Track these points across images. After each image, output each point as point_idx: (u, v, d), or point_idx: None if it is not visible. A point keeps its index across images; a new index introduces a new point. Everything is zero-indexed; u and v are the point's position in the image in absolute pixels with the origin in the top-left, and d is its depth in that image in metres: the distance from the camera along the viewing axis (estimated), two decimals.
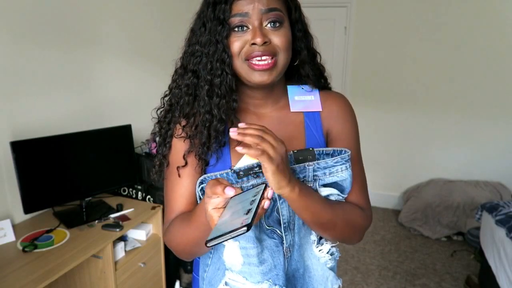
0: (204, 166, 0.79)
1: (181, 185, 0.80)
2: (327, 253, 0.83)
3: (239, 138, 0.61)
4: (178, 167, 0.80)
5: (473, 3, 3.25)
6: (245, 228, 0.55)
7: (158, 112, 0.85)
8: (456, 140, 3.54)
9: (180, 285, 2.31)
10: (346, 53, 3.73)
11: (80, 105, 2.13)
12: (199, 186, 0.77)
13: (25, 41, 1.79)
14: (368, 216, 0.84)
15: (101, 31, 2.25)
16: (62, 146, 1.84)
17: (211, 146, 0.77)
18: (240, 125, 0.62)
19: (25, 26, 1.79)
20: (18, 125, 1.78)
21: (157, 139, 0.84)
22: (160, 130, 0.83)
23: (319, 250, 0.83)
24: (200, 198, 0.78)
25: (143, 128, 2.54)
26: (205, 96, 0.76)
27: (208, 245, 0.56)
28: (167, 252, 2.20)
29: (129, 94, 2.52)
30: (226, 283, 0.80)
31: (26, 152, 1.67)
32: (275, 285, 0.77)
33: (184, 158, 0.79)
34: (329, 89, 0.91)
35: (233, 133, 0.61)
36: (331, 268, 0.85)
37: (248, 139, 0.61)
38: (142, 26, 2.61)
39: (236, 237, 0.77)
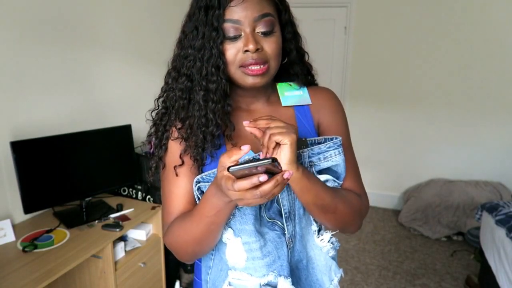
0: (200, 167, 0.81)
1: (178, 185, 0.81)
2: (328, 241, 0.86)
3: (252, 125, 0.71)
4: (175, 167, 0.80)
5: (473, 2, 3.25)
6: (270, 160, 0.54)
7: (153, 114, 0.86)
8: (456, 140, 3.54)
9: (180, 285, 2.31)
10: (346, 53, 3.73)
11: (80, 105, 2.13)
12: (196, 185, 0.78)
13: (25, 41, 1.79)
14: (365, 201, 0.86)
15: (102, 31, 2.25)
16: (62, 146, 1.84)
17: (206, 148, 0.79)
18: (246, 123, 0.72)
19: (26, 26, 1.79)
20: (18, 125, 1.78)
21: (153, 140, 0.85)
22: (156, 133, 0.84)
23: (321, 240, 0.85)
24: (198, 198, 0.79)
25: (143, 128, 2.53)
26: (201, 101, 0.77)
27: (230, 170, 0.56)
28: (167, 252, 2.20)
29: (129, 94, 2.52)
30: (229, 283, 0.80)
31: (26, 152, 1.67)
32: (280, 275, 0.77)
33: (180, 157, 0.80)
34: (316, 85, 0.95)
35: (246, 123, 0.71)
36: (332, 258, 0.87)
37: (260, 122, 0.70)
38: (143, 26, 2.61)
39: (241, 231, 0.77)
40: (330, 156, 0.80)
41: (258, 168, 0.56)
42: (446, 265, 2.84)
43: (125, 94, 2.48)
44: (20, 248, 1.60)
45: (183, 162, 0.80)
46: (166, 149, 0.83)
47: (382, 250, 3.06)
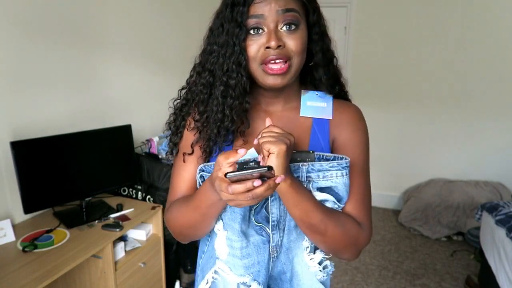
0: (207, 158, 0.83)
1: (184, 171, 0.86)
2: (318, 263, 0.83)
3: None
4: (184, 153, 0.85)
5: (473, 2, 3.25)
6: (266, 168, 0.56)
7: (175, 103, 0.91)
8: (456, 140, 3.54)
9: (180, 285, 2.31)
10: (346, 54, 3.73)
11: (81, 105, 2.13)
12: (199, 173, 0.81)
13: (26, 41, 1.79)
14: (365, 231, 0.80)
15: (102, 32, 2.25)
16: (62, 146, 1.84)
17: (217, 142, 0.81)
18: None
19: (27, 26, 1.79)
20: (18, 125, 1.78)
21: (171, 128, 0.90)
22: (174, 121, 0.89)
23: (310, 259, 0.82)
24: (199, 185, 0.81)
25: (143, 128, 2.54)
26: (219, 97, 0.78)
27: (227, 176, 0.58)
28: (167, 252, 2.20)
29: (129, 94, 2.52)
30: (215, 271, 0.84)
31: (26, 152, 1.67)
32: (254, 281, 0.80)
33: (191, 146, 0.84)
34: (346, 97, 0.92)
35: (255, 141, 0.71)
36: (322, 282, 0.84)
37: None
38: (145, 27, 2.61)
39: (226, 225, 0.79)
40: (331, 176, 0.76)
41: (254, 174, 0.58)
42: (446, 265, 2.85)
43: (125, 94, 2.48)
44: (20, 248, 1.60)
45: (192, 152, 0.84)
46: (181, 136, 0.87)
47: (382, 250, 3.06)
